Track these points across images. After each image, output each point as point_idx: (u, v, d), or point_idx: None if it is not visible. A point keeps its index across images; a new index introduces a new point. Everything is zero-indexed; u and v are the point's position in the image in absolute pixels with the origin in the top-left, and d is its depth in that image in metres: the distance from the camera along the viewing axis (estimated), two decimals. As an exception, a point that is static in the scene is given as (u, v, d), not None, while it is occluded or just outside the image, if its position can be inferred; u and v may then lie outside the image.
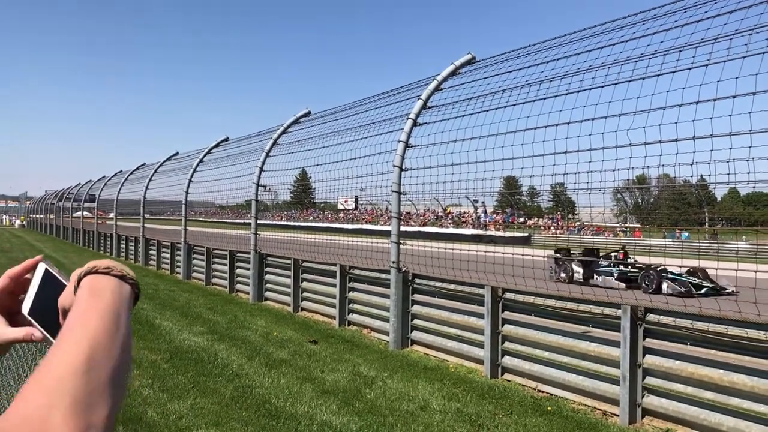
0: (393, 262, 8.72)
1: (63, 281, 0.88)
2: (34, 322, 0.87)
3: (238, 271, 14.28)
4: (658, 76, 5.96)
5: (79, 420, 0.58)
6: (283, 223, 23.44)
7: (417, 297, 8.78)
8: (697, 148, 5.49)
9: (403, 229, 9.01)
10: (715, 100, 5.30)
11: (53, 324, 0.86)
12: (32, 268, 0.91)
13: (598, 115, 6.29)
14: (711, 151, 5.35)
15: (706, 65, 5.49)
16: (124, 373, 0.68)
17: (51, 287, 0.88)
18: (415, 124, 8.75)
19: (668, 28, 6.15)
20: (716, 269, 5.47)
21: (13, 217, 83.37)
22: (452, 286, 8.16)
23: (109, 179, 28.69)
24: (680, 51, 5.86)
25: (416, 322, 8.75)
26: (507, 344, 7.37)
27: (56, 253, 25.52)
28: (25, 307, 0.88)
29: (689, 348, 5.71)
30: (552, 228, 39.65)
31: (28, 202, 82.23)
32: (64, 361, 0.63)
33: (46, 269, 0.90)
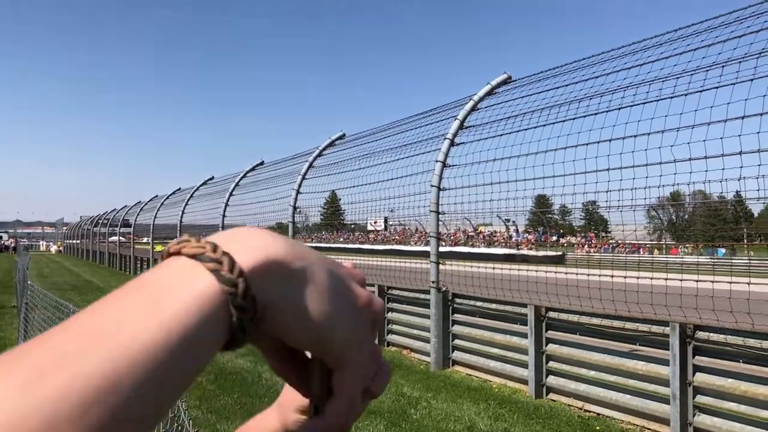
0: (432, 281, 8.73)
1: None
2: None
3: (274, 292, 14.35)
4: (701, 92, 5.96)
5: None
6: (316, 244, 23.63)
7: (458, 317, 8.76)
8: (744, 164, 5.47)
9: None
10: (761, 114, 5.28)
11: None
12: None
13: (641, 131, 6.30)
14: (759, 165, 5.33)
15: (751, 80, 5.48)
16: None
17: None
18: (452, 144, 8.81)
19: (710, 43, 6.14)
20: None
21: (50, 243, 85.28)
22: (494, 306, 8.13)
23: (145, 204, 29.25)
24: (723, 66, 5.85)
25: (457, 342, 8.72)
26: (551, 364, 7.31)
27: (94, 278, 26.00)
28: None
29: (742, 366, 5.61)
30: (585, 246, 39.20)
31: (65, 228, 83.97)
32: None
33: None
